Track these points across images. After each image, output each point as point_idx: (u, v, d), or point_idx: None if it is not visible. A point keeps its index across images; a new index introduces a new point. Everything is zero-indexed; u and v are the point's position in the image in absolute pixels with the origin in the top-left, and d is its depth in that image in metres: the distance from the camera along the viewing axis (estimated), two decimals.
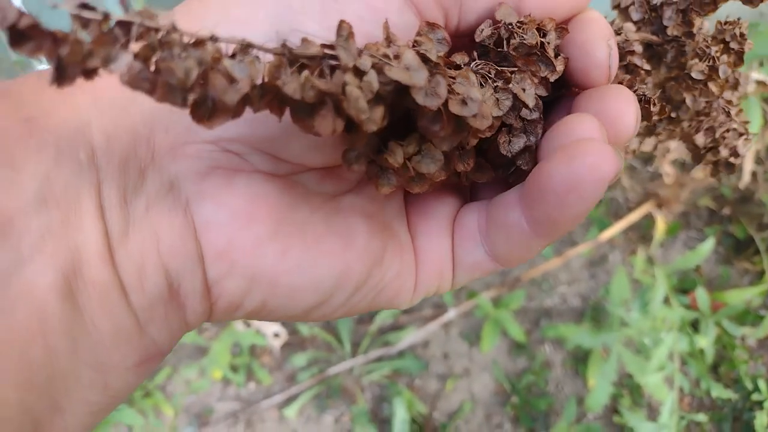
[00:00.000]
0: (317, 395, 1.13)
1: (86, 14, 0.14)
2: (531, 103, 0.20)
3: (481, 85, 0.19)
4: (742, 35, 0.27)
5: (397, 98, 0.17)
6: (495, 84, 0.20)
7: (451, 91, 0.18)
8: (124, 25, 0.14)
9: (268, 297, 0.20)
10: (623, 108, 0.20)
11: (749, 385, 0.90)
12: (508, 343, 1.17)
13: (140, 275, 0.18)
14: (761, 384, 0.88)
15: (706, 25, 0.28)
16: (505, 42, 0.21)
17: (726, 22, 0.27)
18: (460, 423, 1.10)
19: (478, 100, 0.18)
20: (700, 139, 0.28)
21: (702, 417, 0.71)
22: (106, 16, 0.14)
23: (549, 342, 1.15)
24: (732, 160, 0.28)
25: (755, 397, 0.88)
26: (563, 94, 0.23)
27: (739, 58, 0.28)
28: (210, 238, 0.19)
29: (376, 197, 0.23)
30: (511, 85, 0.20)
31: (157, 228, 0.18)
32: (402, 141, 0.19)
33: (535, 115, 0.21)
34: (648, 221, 1.01)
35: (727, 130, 0.28)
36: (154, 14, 0.14)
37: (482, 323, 1.07)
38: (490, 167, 0.22)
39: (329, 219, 0.21)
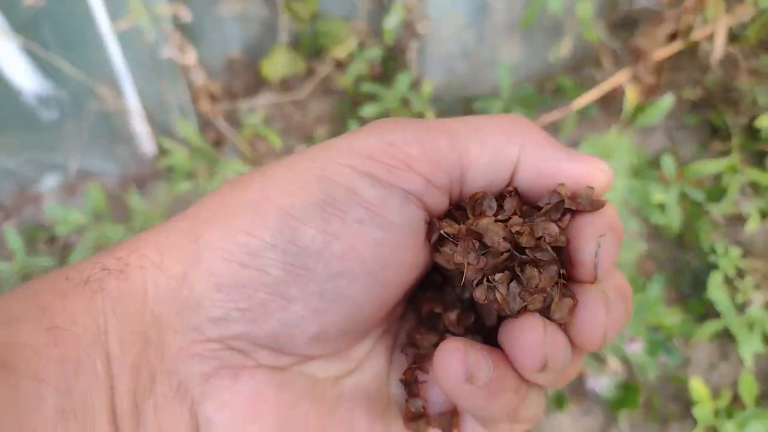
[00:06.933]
0: None
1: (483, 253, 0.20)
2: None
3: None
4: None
5: None
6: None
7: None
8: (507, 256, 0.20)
9: None
10: (528, 347, 0.20)
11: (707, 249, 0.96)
12: None
13: None
14: (718, 247, 0.94)
15: None
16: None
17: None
18: None
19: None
20: None
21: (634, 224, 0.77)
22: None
23: None
24: None
25: (711, 258, 0.95)
26: None
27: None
28: None
29: (380, 373, 0.24)
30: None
31: (164, 428, 0.20)
32: None
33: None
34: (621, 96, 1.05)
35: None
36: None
37: None
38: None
39: (331, 413, 0.22)
